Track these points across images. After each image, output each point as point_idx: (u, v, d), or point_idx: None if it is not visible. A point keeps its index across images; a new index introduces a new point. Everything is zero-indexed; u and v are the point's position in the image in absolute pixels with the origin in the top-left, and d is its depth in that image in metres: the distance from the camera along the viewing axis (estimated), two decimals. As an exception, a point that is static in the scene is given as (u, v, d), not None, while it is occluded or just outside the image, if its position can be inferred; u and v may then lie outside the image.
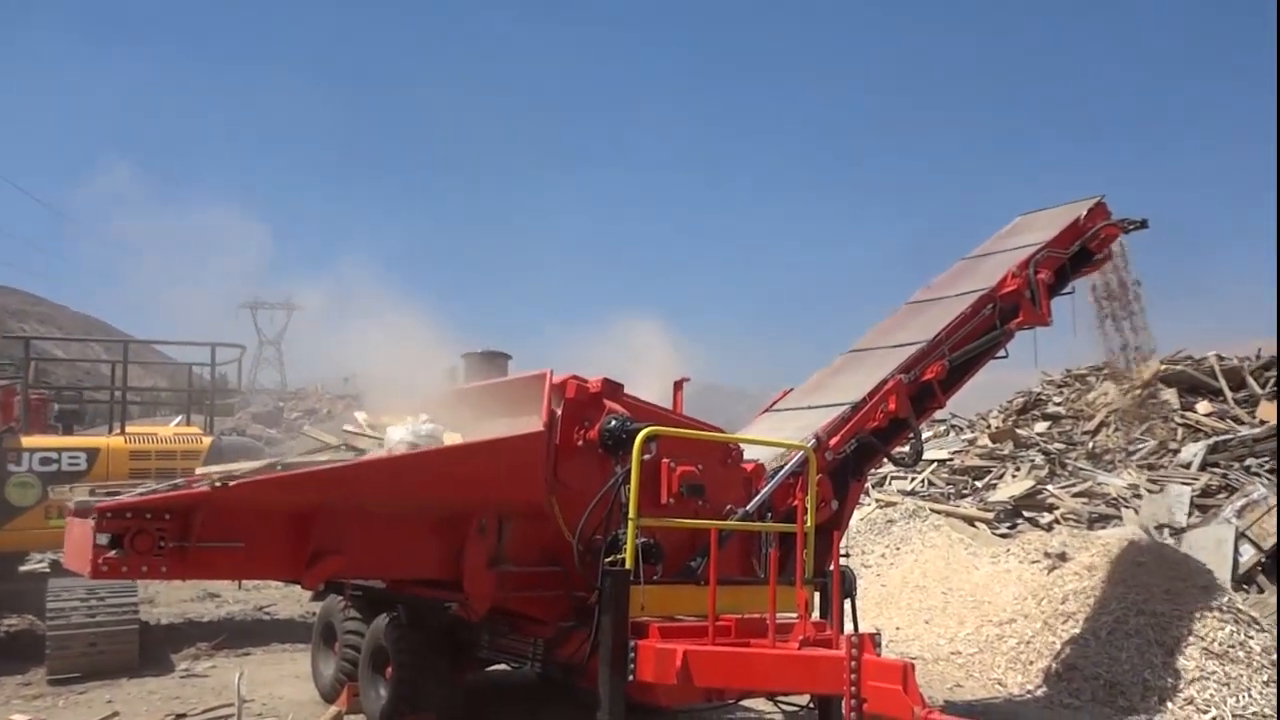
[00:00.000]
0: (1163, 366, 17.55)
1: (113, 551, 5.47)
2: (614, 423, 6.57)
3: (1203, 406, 17.43)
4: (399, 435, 6.88)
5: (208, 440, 11.24)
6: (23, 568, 11.08)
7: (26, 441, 10.21)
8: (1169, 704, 8.92)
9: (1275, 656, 9.55)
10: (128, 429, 11.21)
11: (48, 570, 10.83)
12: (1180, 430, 16.80)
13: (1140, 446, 16.48)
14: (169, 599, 13.54)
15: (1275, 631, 10.07)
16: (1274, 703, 8.98)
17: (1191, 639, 9.51)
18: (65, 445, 10.48)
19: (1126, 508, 15.06)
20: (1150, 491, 14.87)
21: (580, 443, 6.64)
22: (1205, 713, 8.77)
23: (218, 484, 5.60)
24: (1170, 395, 17.47)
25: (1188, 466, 15.54)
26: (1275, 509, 13.15)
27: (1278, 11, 36.18)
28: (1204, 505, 14.34)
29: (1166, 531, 13.77)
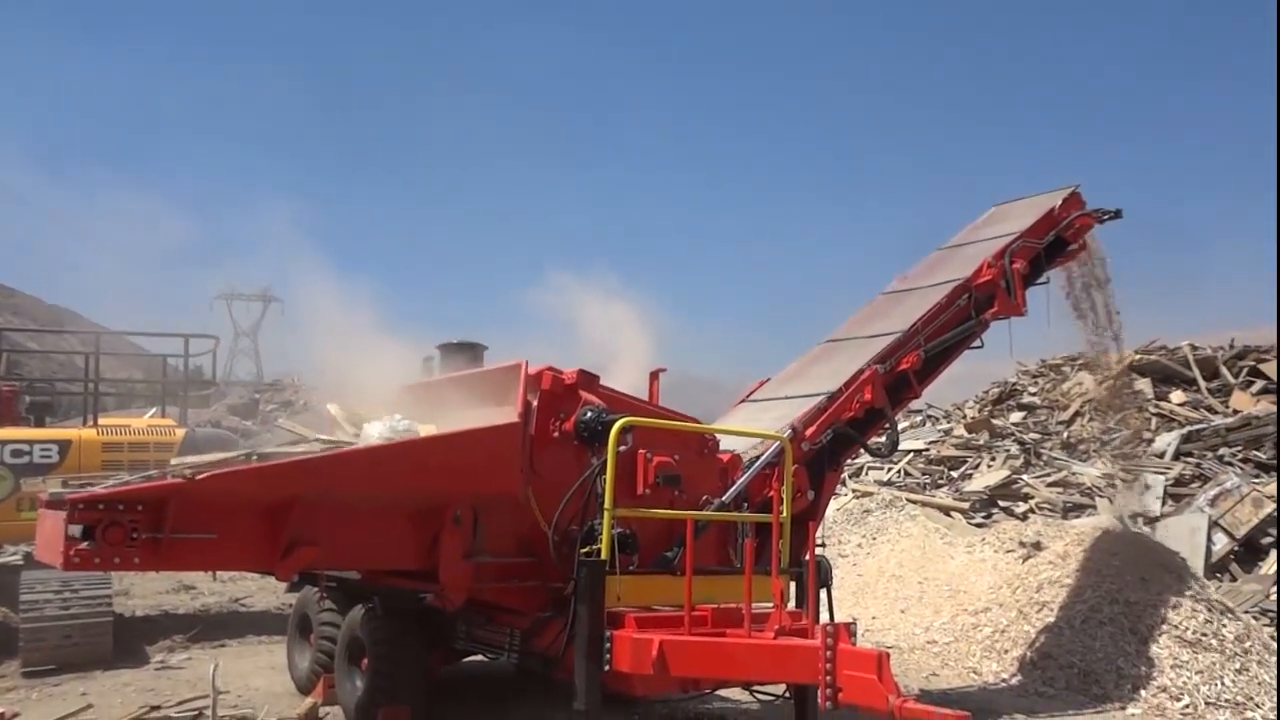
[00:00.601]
0: (1137, 356, 17.70)
1: (85, 543, 5.43)
2: (590, 414, 6.55)
3: (1176, 396, 17.60)
4: (376, 431, 6.87)
5: (181, 432, 11.18)
6: (-5, 561, 10.98)
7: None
8: (1143, 692, 8.99)
9: (1261, 642, 9.64)
10: (100, 421, 11.14)
11: (21, 563, 10.74)
12: (1154, 420, 16.94)
13: (1114, 436, 16.60)
14: (144, 591, 13.47)
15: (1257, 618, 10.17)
16: (1246, 690, 9.07)
17: (1165, 627, 9.59)
18: (37, 437, 10.40)
19: (1101, 497, 15.19)
20: (1124, 481, 14.98)
21: (556, 434, 6.64)
22: (1178, 700, 8.85)
23: (188, 475, 5.56)
24: (1144, 385, 17.62)
25: (1161, 456, 15.68)
26: (1249, 497, 13.27)
27: (1278, 11, 36.67)
28: (1177, 494, 14.48)
29: (1140, 521, 13.89)
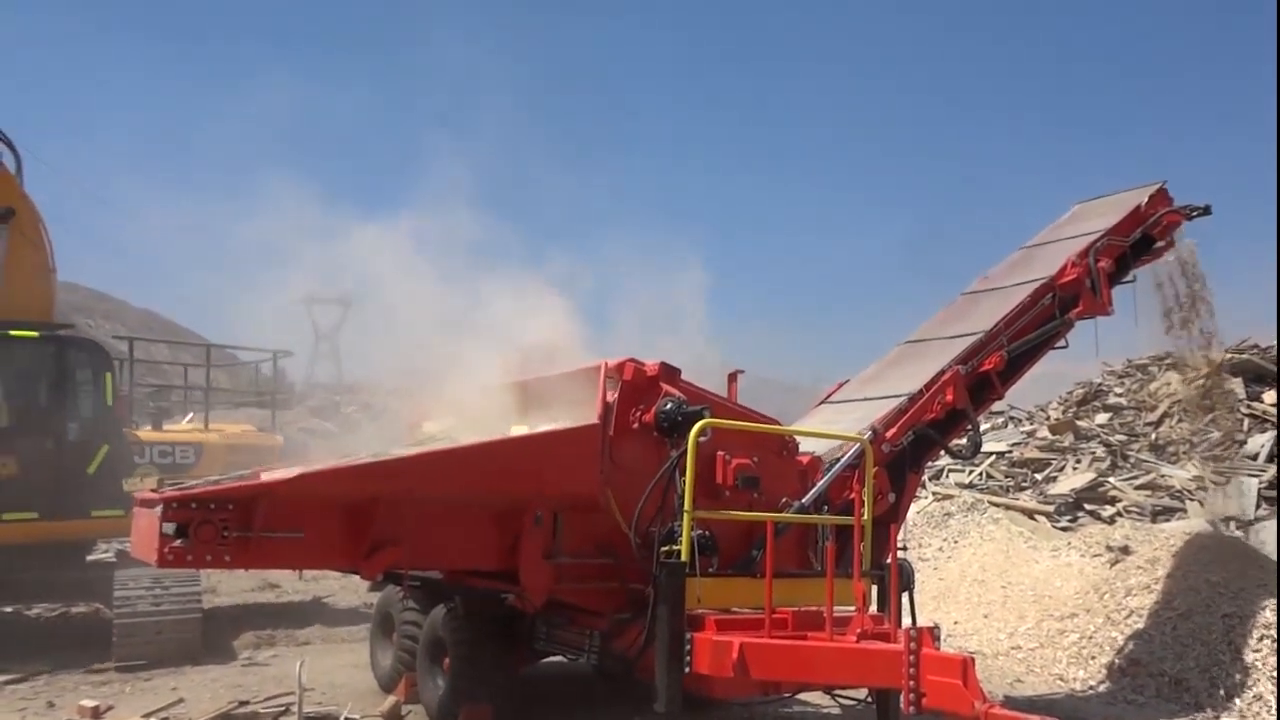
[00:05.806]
0: (1228, 355, 17.19)
1: (178, 541, 5.58)
2: (670, 404, 6.58)
3: (1270, 396, 17.03)
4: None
5: (280, 438, 11.80)
6: (90, 557, 11.34)
7: (145, 436, 10.68)
8: (1237, 700, 8.73)
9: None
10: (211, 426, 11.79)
11: (114, 560, 11.08)
12: (1247, 421, 16.44)
13: (1205, 438, 16.15)
14: (230, 589, 13.77)
15: None
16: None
17: (1260, 634, 9.29)
18: (178, 440, 11.09)
19: (1191, 500, 14.78)
20: (1216, 484, 14.58)
21: (635, 425, 6.66)
22: (1275, 711, 8.57)
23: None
24: (1236, 385, 17.09)
25: (1255, 458, 15.22)
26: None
27: (1278, 10, 35.68)
28: (1272, 498, 14.05)
29: (1233, 524, 13.51)
